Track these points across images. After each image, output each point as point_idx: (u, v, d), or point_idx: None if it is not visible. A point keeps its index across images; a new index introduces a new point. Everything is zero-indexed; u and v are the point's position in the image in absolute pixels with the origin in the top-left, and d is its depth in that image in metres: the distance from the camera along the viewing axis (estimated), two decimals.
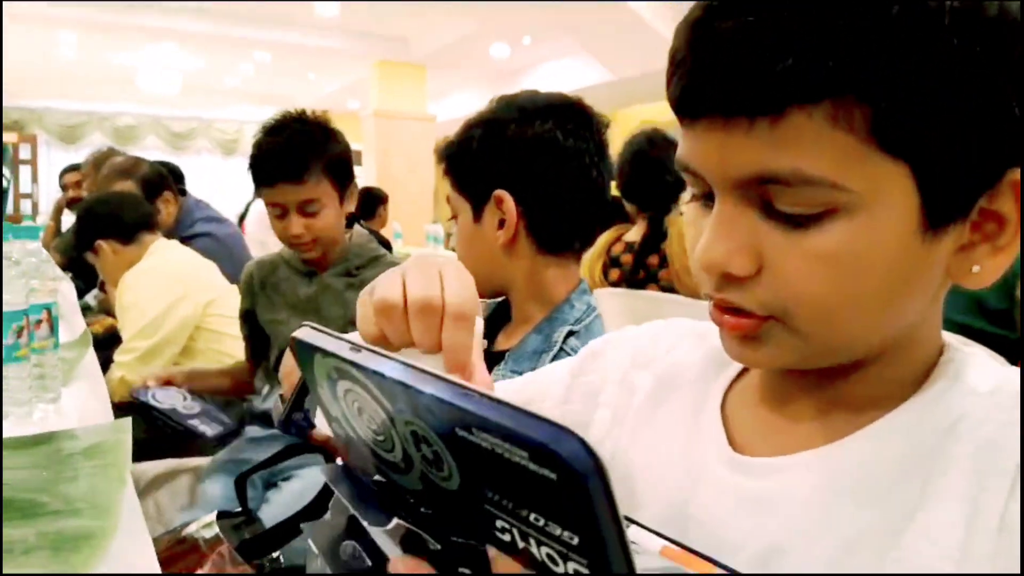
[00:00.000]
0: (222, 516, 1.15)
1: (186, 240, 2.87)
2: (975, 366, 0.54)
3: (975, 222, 0.50)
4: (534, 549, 0.36)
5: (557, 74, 9.65)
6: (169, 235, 2.88)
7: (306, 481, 1.77)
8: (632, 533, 0.44)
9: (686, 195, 0.58)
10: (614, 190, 3.04)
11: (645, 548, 0.44)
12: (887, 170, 0.46)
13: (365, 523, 0.42)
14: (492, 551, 0.40)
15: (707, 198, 0.54)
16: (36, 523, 0.75)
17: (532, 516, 0.35)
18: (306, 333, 0.48)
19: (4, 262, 1.06)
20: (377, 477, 0.49)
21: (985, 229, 0.50)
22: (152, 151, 13.31)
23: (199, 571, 1.01)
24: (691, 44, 0.49)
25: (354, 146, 2.03)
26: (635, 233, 2.61)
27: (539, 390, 0.79)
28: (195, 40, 8.80)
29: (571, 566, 0.34)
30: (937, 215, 0.48)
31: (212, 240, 2.95)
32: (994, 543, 0.45)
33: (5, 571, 0.66)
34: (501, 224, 1.18)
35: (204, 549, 1.05)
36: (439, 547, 0.42)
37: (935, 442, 0.50)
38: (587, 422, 0.72)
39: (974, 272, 0.51)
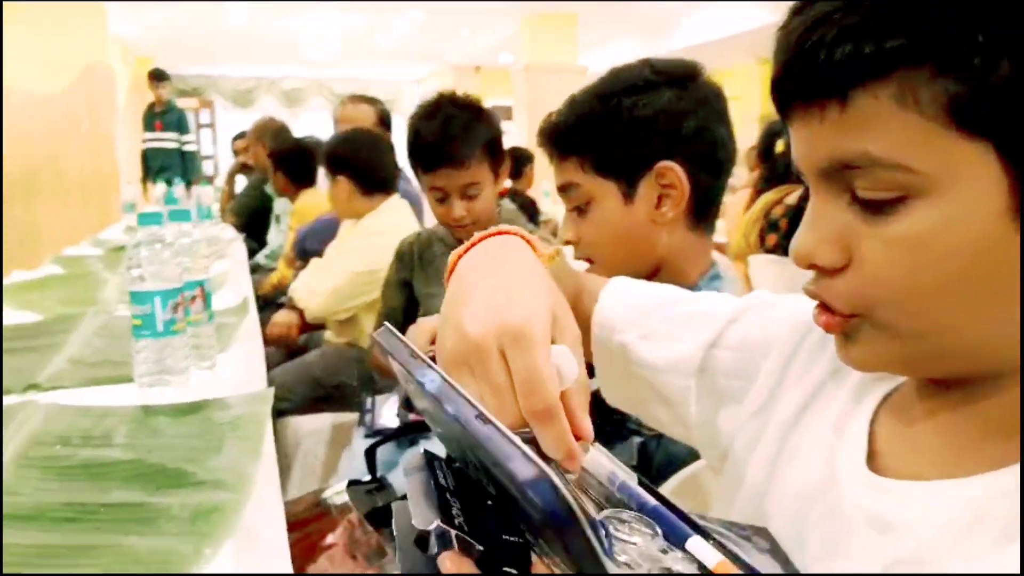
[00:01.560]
0: (353, 483, 1.22)
1: None
2: None
3: None
4: (550, 563, 0.39)
5: (716, 19, 9.27)
6: None
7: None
8: (691, 544, 0.44)
9: None
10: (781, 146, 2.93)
11: (701, 560, 0.43)
12: (963, 150, 0.44)
13: (413, 520, 0.43)
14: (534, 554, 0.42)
15: None
16: (181, 493, 0.83)
17: (539, 539, 0.38)
18: (382, 335, 0.52)
19: (158, 244, 1.16)
20: (457, 465, 0.52)
21: None
22: (319, 111, 13.94)
23: (328, 537, 1.08)
24: (777, 45, 0.51)
25: (505, 101, 2.06)
26: (797, 196, 2.49)
27: (691, 318, 0.76)
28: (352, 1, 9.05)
29: None
30: None
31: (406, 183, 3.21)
32: None
33: (155, 534, 0.73)
34: (659, 200, 1.10)
35: (335, 515, 1.12)
36: (482, 548, 0.42)
37: None
38: (739, 374, 0.71)
39: None
